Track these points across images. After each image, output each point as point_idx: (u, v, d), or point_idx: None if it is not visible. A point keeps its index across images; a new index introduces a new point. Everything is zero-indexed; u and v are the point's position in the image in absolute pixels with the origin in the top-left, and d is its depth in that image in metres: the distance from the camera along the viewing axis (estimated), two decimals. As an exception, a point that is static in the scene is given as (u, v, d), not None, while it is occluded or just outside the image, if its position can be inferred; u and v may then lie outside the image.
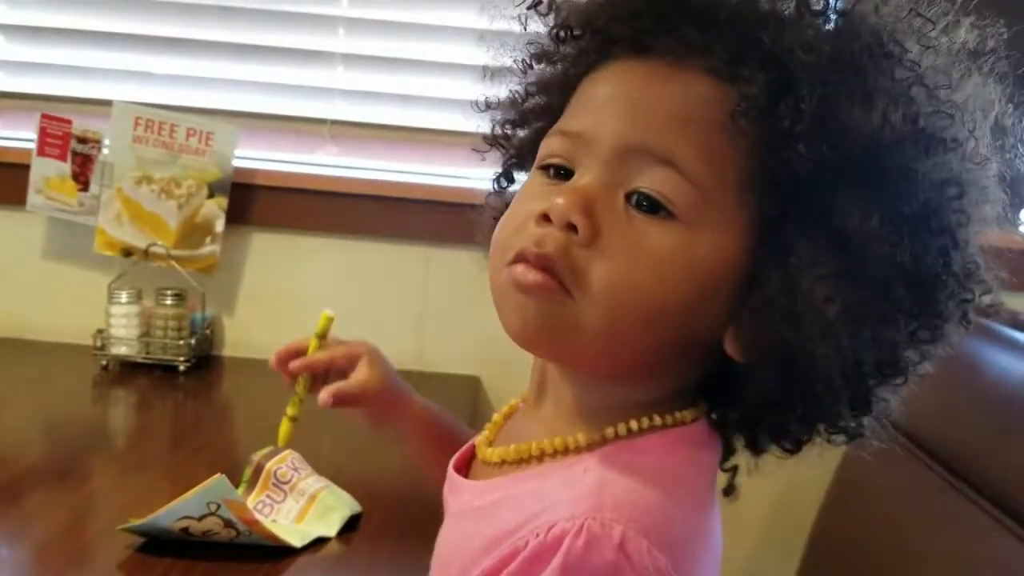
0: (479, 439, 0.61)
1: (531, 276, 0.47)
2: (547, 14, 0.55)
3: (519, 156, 0.60)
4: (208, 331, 1.39)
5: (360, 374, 0.70)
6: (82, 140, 1.38)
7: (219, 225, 1.37)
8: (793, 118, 0.45)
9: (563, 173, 0.50)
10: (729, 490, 0.56)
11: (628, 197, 0.48)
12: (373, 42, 1.42)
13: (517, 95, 0.58)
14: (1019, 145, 0.50)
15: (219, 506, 0.76)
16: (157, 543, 0.79)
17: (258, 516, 0.80)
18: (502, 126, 0.59)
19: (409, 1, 1.39)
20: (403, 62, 1.42)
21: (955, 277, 0.48)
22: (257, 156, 1.43)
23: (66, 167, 1.38)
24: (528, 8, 0.55)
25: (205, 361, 1.37)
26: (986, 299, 0.50)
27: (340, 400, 0.69)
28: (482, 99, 0.60)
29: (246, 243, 1.43)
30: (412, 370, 1.33)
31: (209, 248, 1.38)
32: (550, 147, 0.52)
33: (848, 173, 0.45)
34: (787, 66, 0.46)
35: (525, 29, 0.56)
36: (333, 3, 1.41)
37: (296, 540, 0.81)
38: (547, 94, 0.57)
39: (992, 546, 0.90)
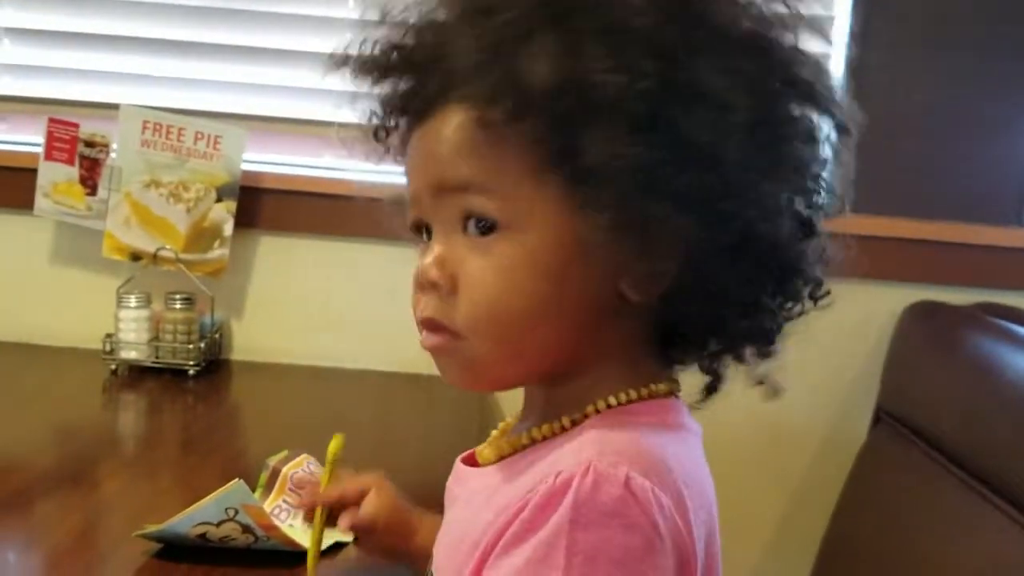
0: (493, 434, 0.63)
1: (428, 341, 0.55)
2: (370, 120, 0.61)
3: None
4: (217, 335, 1.38)
5: (369, 507, 0.74)
6: (90, 144, 1.37)
7: (228, 229, 1.37)
8: (504, 104, 0.50)
9: (426, 229, 0.57)
10: (771, 392, 0.57)
11: (465, 229, 0.53)
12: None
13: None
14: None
15: (237, 511, 0.76)
16: (174, 549, 0.79)
17: (276, 521, 0.79)
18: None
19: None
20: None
21: (737, 128, 0.49)
22: (265, 159, 1.43)
23: (74, 171, 1.37)
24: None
25: (214, 365, 1.37)
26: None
27: (354, 530, 0.74)
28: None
29: (254, 246, 1.42)
30: (421, 374, 1.32)
31: (218, 252, 1.37)
32: (410, 216, 0.58)
33: (566, 119, 0.49)
34: (481, 67, 0.51)
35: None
36: (340, 4, 1.40)
37: (314, 545, 0.80)
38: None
39: (1014, 550, 0.89)
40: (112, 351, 1.30)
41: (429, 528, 0.73)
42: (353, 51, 0.59)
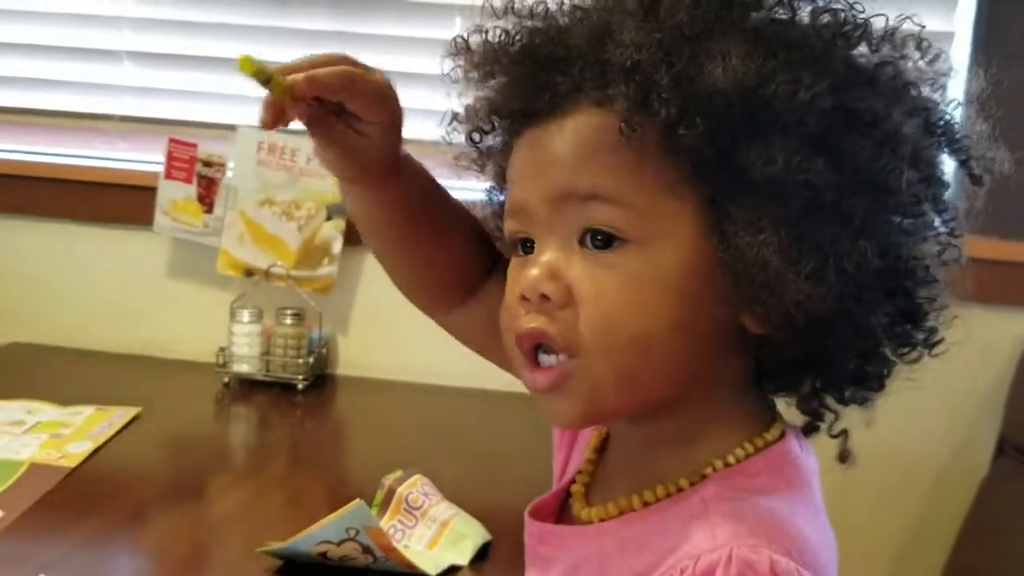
0: (574, 488, 0.59)
1: (541, 381, 0.51)
2: (463, 122, 0.59)
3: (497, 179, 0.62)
4: (324, 350, 1.41)
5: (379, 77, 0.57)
6: (207, 163, 1.42)
7: (337, 246, 1.40)
8: (663, 108, 0.47)
9: (528, 243, 0.53)
10: (844, 455, 0.55)
11: (583, 243, 0.50)
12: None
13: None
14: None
15: (358, 531, 0.77)
16: (294, 567, 0.80)
17: (394, 543, 0.80)
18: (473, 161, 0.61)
19: None
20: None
21: (902, 159, 0.48)
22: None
23: (192, 189, 1.42)
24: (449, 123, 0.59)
25: (321, 379, 1.39)
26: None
27: (358, 88, 0.55)
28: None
29: (361, 264, 1.44)
30: (475, 388, 1.31)
31: (327, 269, 1.40)
32: (506, 228, 0.55)
33: (732, 129, 0.47)
34: (638, 66, 0.48)
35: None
36: (448, 27, 1.42)
37: (431, 568, 0.80)
38: (496, 176, 0.60)
39: None
40: (225, 364, 1.34)
41: (409, 180, 0.61)
42: (468, 42, 0.56)
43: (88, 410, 1.18)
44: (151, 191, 1.42)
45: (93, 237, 1.49)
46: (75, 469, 1.01)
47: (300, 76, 0.53)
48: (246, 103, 1.48)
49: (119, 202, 1.46)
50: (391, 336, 1.43)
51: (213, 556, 0.88)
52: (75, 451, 1.05)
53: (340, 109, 0.55)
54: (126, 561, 0.87)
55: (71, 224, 1.49)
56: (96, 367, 1.42)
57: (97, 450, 1.06)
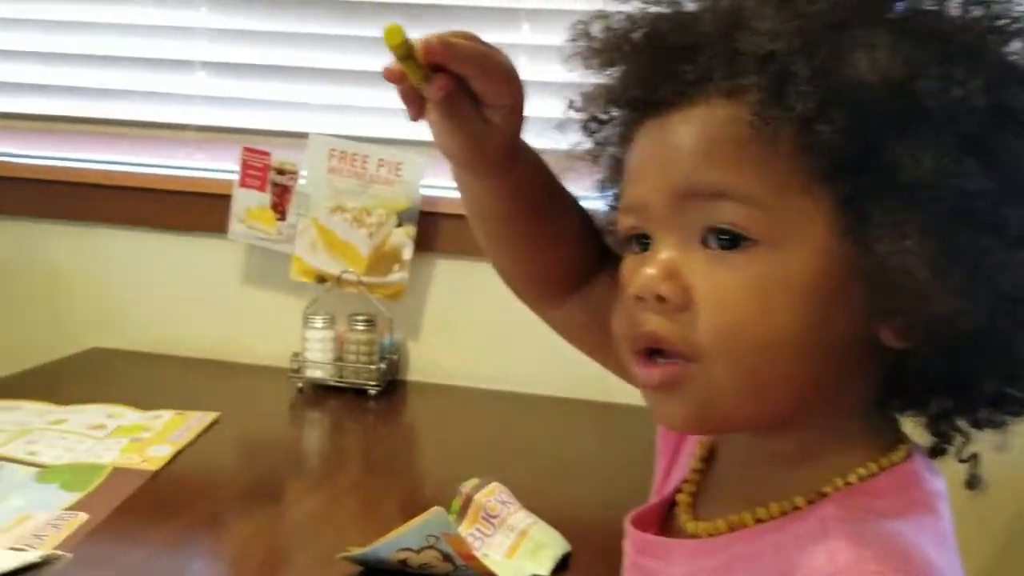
0: (680, 499, 0.57)
1: (655, 376, 0.48)
2: (580, 109, 0.57)
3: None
4: (395, 356, 1.41)
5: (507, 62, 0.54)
6: (280, 171, 1.43)
7: (407, 252, 1.40)
8: (801, 101, 0.44)
9: (644, 240, 0.51)
10: (974, 481, 0.52)
11: (704, 242, 0.47)
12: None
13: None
14: None
15: (438, 539, 0.76)
16: (374, 572, 0.80)
17: (473, 551, 0.79)
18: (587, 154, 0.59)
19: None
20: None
21: None
22: (441, 184, 1.45)
23: (266, 197, 1.44)
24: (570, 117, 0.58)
25: (392, 385, 1.40)
26: None
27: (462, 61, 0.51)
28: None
29: (431, 270, 1.45)
30: (595, 400, 1.31)
31: (397, 275, 1.40)
32: (621, 224, 0.53)
33: (877, 125, 0.44)
34: (773, 56, 0.45)
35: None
36: (514, 30, 1.41)
37: (510, 577, 0.79)
38: (610, 169, 0.58)
39: None
40: (299, 370, 1.35)
41: (525, 169, 0.58)
42: (589, 28, 0.53)
43: (167, 414, 1.20)
44: (226, 199, 1.44)
45: (171, 244, 1.52)
46: (156, 473, 1.02)
47: (434, 38, 0.50)
48: (317, 111, 1.50)
49: (196, 210, 1.49)
50: (461, 342, 1.43)
51: (291, 561, 0.88)
52: (156, 455, 1.07)
53: (466, 91, 0.52)
54: (206, 565, 0.88)
55: (150, 232, 1.52)
56: (173, 371, 1.45)
57: (177, 454, 1.07)
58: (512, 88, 0.54)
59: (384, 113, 1.48)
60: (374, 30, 1.51)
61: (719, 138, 0.47)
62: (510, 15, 1.41)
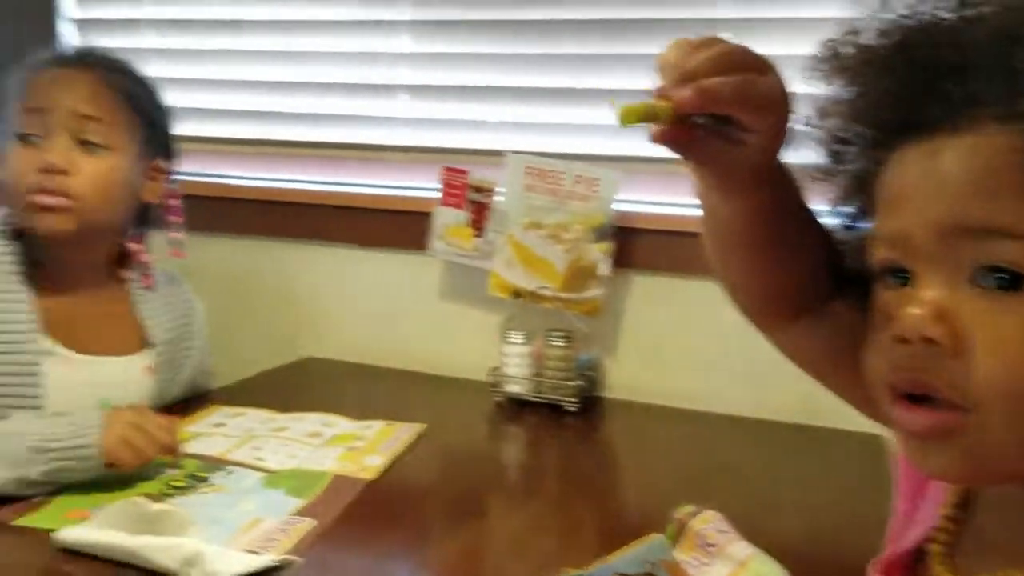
0: (933, 548, 0.54)
1: (921, 422, 0.45)
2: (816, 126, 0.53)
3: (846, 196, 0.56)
4: (592, 372, 1.42)
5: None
6: (478, 189, 1.47)
7: (603, 268, 1.40)
8: None
9: (901, 274, 0.48)
10: None
11: (974, 281, 0.44)
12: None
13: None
14: None
15: (655, 565, 0.75)
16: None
17: (690, 579, 0.78)
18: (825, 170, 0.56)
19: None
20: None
21: None
22: (636, 200, 1.45)
23: (463, 215, 1.48)
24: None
25: (589, 402, 1.40)
26: None
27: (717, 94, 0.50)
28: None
29: (627, 286, 1.44)
30: (802, 423, 1.27)
31: (594, 291, 1.41)
32: (876, 255, 0.50)
33: None
34: None
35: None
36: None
37: (729, 607, 0.78)
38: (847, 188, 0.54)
39: None
40: (497, 384, 1.38)
41: (775, 189, 0.55)
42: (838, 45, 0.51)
43: (378, 424, 1.26)
44: (425, 216, 1.50)
45: (375, 260, 1.60)
46: (372, 482, 1.07)
47: (688, 92, 0.49)
48: (513, 131, 1.53)
49: (399, 228, 1.55)
50: (659, 360, 1.41)
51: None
52: (371, 464, 1.11)
53: (725, 120, 0.51)
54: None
55: (356, 249, 1.60)
56: (379, 382, 1.51)
57: (391, 464, 1.12)
58: (775, 115, 0.51)
59: (578, 130, 1.49)
60: (573, 46, 1.53)
61: (995, 169, 0.43)
62: (707, 25, 1.38)
